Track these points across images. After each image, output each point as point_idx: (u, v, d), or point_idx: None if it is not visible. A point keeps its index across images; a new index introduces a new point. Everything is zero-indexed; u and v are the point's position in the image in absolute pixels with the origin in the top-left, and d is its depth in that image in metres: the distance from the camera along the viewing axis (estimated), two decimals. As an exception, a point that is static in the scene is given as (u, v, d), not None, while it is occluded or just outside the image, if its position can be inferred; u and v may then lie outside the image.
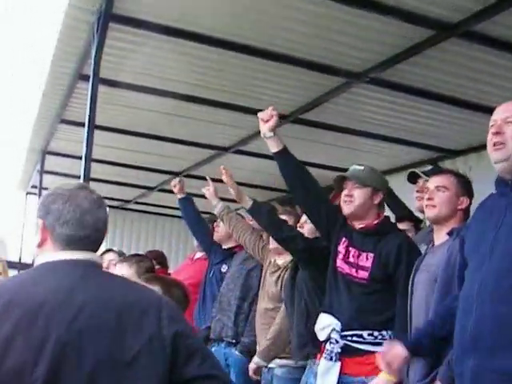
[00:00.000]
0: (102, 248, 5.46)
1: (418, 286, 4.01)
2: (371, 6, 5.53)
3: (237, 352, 6.05)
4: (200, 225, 7.27)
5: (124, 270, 4.54)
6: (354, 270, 4.40)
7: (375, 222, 4.57)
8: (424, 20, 5.69)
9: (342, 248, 4.54)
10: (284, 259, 5.72)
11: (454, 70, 6.61)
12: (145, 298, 2.33)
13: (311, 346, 4.82)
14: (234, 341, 6.10)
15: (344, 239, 4.56)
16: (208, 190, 6.53)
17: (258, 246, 6.09)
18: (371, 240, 4.45)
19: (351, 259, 4.45)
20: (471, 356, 2.95)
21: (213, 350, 6.09)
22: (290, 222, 5.61)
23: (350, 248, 4.49)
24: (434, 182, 4.15)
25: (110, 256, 5.03)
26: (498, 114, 3.22)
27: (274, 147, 4.72)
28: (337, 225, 4.65)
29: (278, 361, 5.51)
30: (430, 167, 5.06)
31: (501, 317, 2.87)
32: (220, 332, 6.25)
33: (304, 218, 5.35)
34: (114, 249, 5.19)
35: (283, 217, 5.67)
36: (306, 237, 5.23)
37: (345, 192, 4.59)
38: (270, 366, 5.57)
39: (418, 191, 5.07)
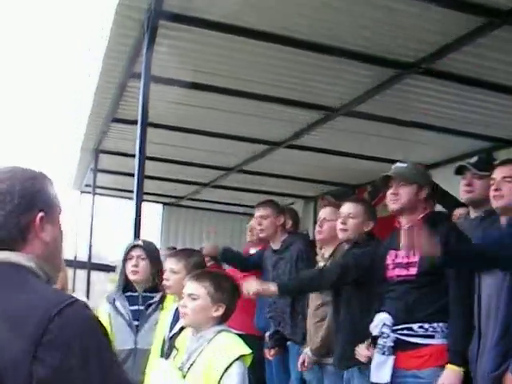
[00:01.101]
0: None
1: (486, 276, 3.98)
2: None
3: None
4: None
5: (173, 265, 4.57)
6: (404, 269, 4.42)
7: (420, 216, 4.56)
8: (476, 8, 5.61)
9: (389, 260, 4.59)
10: (328, 251, 5.72)
11: (507, 58, 6.51)
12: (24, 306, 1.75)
13: (353, 360, 4.80)
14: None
15: (390, 252, 4.60)
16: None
17: None
18: None
19: (400, 260, 4.48)
20: None
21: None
22: (334, 216, 5.57)
23: (398, 253, 4.51)
24: (500, 172, 4.12)
25: (137, 252, 5.03)
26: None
27: None
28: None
29: (329, 359, 5.49)
30: (475, 158, 4.91)
31: None
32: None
33: (346, 209, 5.28)
34: (140, 243, 5.16)
35: (327, 210, 5.73)
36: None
37: (391, 191, 4.62)
38: (321, 362, 5.59)
39: (466, 185, 4.85)
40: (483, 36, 6.04)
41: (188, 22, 6.20)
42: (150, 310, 4.84)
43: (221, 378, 3.51)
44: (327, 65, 7.02)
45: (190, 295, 3.82)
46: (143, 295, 4.92)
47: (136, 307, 4.86)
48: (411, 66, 6.89)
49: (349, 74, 7.29)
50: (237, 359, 3.56)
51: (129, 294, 4.96)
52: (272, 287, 5.06)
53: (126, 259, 5.03)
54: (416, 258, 4.32)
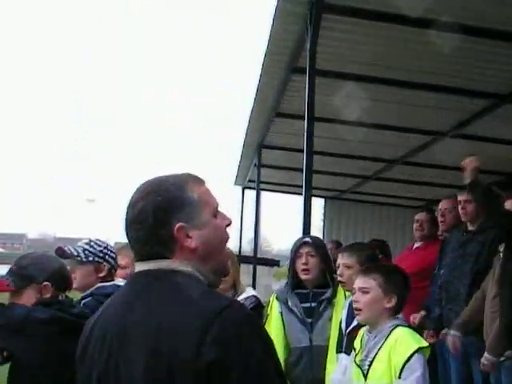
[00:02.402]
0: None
1: None
2: None
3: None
4: None
5: (345, 259, 4.55)
6: None
7: None
8: None
9: None
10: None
11: None
12: (186, 321, 1.84)
13: None
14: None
15: None
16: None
17: None
18: None
19: None
20: None
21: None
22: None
23: None
24: None
25: (306, 249, 4.96)
26: None
27: None
28: None
29: (507, 353, 5.29)
30: None
31: None
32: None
33: None
34: (308, 240, 5.11)
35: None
36: None
37: None
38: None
39: None
40: None
41: (350, 14, 6.16)
42: (322, 306, 4.81)
43: (401, 372, 3.47)
44: (494, 50, 6.79)
45: (361, 289, 3.80)
46: (314, 291, 4.90)
47: (308, 304, 4.84)
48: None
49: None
50: (416, 351, 3.51)
51: (299, 290, 4.95)
52: None
53: (295, 257, 5.02)
54: None
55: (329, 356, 4.41)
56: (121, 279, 3.91)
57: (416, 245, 7.41)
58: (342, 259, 4.56)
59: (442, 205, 6.60)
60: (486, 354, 5.32)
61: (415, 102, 8.61)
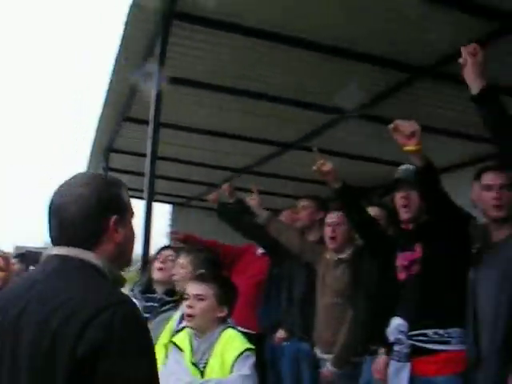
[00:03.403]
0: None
1: (483, 283, 3.94)
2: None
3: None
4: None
5: (182, 259, 4.64)
6: (409, 268, 4.36)
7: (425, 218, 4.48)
8: (489, 13, 5.61)
9: (399, 263, 4.48)
10: (345, 253, 5.68)
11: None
12: (80, 304, 1.93)
13: (378, 343, 4.74)
14: (305, 336, 6.05)
15: (398, 255, 4.50)
16: (253, 200, 6.50)
17: (304, 246, 6.06)
18: (419, 232, 4.42)
19: (406, 261, 4.40)
20: None
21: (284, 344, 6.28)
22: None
23: (404, 253, 4.44)
24: (497, 179, 4.02)
25: (167, 252, 5.12)
26: None
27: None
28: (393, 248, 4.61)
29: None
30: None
31: None
32: (292, 326, 6.25)
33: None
34: (170, 246, 5.30)
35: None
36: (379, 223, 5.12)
37: (401, 194, 4.50)
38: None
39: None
40: (497, 41, 6.02)
41: (201, 23, 6.22)
42: (165, 308, 4.86)
43: (233, 366, 3.59)
44: (339, 67, 7.02)
45: (197, 296, 3.85)
46: (161, 297, 4.95)
47: (151, 303, 4.90)
48: (424, 69, 6.89)
49: (361, 77, 7.28)
50: (246, 350, 3.66)
51: (148, 295, 5.00)
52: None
53: (154, 259, 5.13)
54: (417, 254, 4.29)
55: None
56: None
57: (260, 250, 7.48)
58: (180, 258, 4.73)
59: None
60: (330, 366, 5.44)
61: (262, 112, 8.74)
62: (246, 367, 3.62)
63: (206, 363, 3.71)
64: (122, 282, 2.24)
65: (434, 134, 8.93)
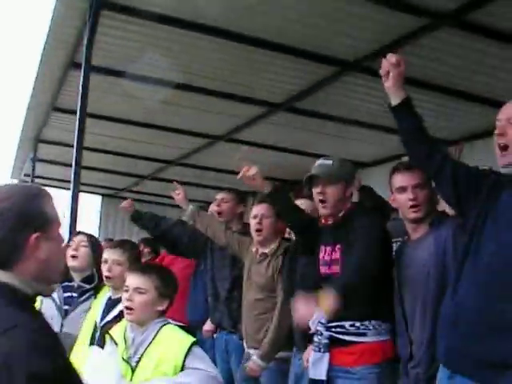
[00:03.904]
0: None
1: (405, 282, 4.00)
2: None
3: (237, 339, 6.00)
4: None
5: (116, 256, 4.56)
6: (331, 266, 4.37)
7: (342, 213, 4.47)
8: (417, 9, 5.68)
9: (321, 256, 4.49)
10: (269, 247, 5.66)
11: (448, 60, 6.61)
12: None
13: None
14: (233, 329, 6.06)
15: (321, 247, 4.49)
16: (178, 194, 6.47)
17: (231, 238, 6.03)
18: (339, 232, 4.40)
19: (328, 257, 4.40)
20: None
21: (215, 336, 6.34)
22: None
23: (325, 247, 4.44)
24: (411, 179, 4.00)
25: (80, 238, 5.06)
26: (502, 114, 3.24)
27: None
28: (315, 239, 4.62)
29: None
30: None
31: None
32: (220, 321, 6.25)
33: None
34: (83, 231, 5.23)
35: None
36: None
37: (317, 190, 4.43)
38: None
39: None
40: (424, 37, 6.11)
41: (130, 13, 6.17)
42: (83, 297, 4.82)
43: (182, 369, 3.50)
44: (269, 60, 7.05)
45: (137, 289, 3.77)
46: (79, 285, 4.90)
47: (69, 294, 4.85)
48: (351, 64, 6.96)
49: (290, 71, 7.33)
50: (191, 347, 3.57)
51: (65, 283, 4.93)
52: None
53: (66, 245, 5.02)
54: (337, 255, 4.31)
55: (77, 345, 4.40)
56: None
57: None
58: (114, 255, 4.59)
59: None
60: (257, 360, 5.44)
61: (192, 104, 8.73)
62: (206, 364, 3.57)
63: (139, 359, 3.63)
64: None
65: (360, 127, 9.06)
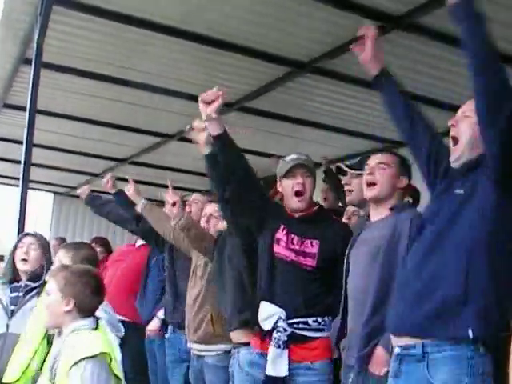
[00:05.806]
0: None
1: (355, 260, 4.04)
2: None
3: None
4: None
5: (61, 257, 4.59)
6: (300, 257, 4.35)
7: (313, 209, 4.58)
8: (368, 12, 5.72)
9: (282, 235, 4.43)
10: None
11: (399, 62, 6.65)
12: None
13: (249, 313, 4.72)
14: None
15: (283, 227, 4.45)
16: (130, 189, 6.53)
17: (179, 234, 6.00)
18: (311, 227, 4.45)
19: (296, 246, 4.39)
20: None
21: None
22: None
23: (292, 235, 4.42)
24: (375, 158, 4.14)
25: (29, 240, 5.03)
26: (461, 108, 3.34)
27: (215, 130, 4.42)
28: (270, 212, 4.58)
29: (208, 346, 5.45)
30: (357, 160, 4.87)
31: None
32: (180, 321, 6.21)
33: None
34: (32, 232, 5.20)
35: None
36: None
37: (298, 180, 4.48)
38: (200, 354, 5.51)
39: (345, 184, 4.77)
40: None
41: (82, 9, 6.12)
42: (29, 296, 4.80)
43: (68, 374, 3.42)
44: (221, 59, 7.06)
45: (46, 291, 3.78)
46: (26, 284, 4.87)
47: (16, 294, 4.82)
48: (304, 64, 6.99)
49: (242, 70, 7.35)
50: (82, 359, 3.42)
51: (13, 284, 4.91)
52: None
53: (16, 247, 5.00)
54: (314, 250, 4.34)
55: (18, 344, 4.40)
56: None
57: (139, 243, 7.53)
58: (59, 256, 4.72)
59: None
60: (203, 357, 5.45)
61: (144, 103, 8.70)
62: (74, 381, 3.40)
63: (56, 369, 3.56)
64: None
65: (313, 128, 9.10)
